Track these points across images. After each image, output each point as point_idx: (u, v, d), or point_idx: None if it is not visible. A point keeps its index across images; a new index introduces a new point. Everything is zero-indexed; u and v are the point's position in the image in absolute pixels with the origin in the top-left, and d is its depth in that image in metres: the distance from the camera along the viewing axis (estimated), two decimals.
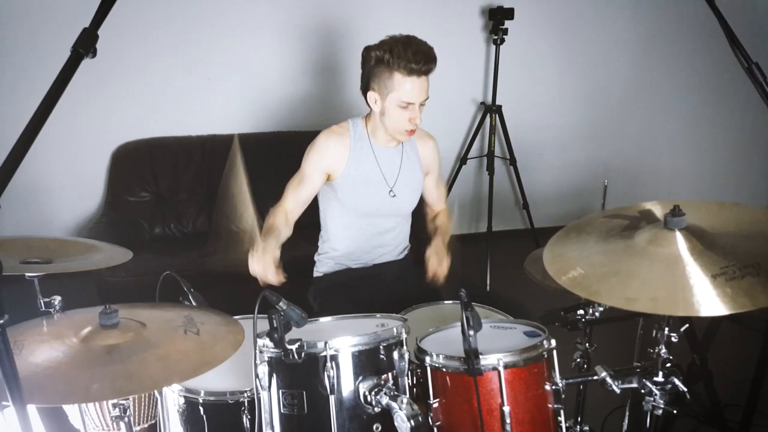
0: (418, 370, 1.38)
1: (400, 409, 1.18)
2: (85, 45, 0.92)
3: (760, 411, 1.93)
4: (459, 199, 1.82)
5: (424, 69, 1.76)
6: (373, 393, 1.24)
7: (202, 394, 1.38)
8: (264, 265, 1.64)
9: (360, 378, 1.26)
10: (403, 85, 1.77)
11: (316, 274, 2.12)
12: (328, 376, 1.23)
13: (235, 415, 1.37)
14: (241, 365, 1.36)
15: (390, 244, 2.08)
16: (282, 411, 1.27)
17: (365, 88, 1.88)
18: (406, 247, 2.16)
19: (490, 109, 3.65)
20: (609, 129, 4.11)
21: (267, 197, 1.96)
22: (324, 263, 2.09)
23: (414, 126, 1.85)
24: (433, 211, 2.15)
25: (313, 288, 2.10)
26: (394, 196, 1.98)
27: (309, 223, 2.07)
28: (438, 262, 1.87)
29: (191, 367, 1.17)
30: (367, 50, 1.83)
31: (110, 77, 3.20)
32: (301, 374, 1.26)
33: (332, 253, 2.07)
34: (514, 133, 3.70)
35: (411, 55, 1.73)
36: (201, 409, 1.38)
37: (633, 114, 4.12)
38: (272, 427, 1.28)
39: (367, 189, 1.96)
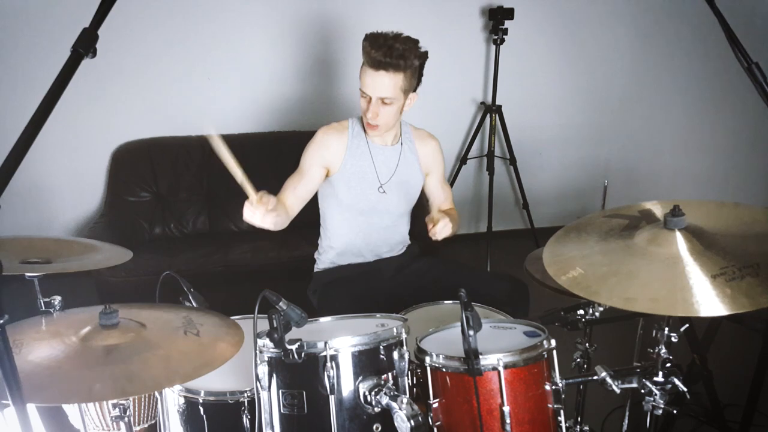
0: (418, 370, 1.38)
1: (400, 409, 1.18)
2: (85, 45, 0.91)
3: (760, 411, 1.93)
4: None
5: (380, 60, 1.76)
6: (373, 393, 1.24)
7: (202, 394, 1.38)
8: (261, 214, 1.57)
9: (360, 378, 1.26)
10: (364, 75, 1.83)
11: (315, 270, 2.14)
12: (328, 376, 1.23)
13: (235, 415, 1.37)
14: (241, 365, 1.36)
15: (387, 243, 2.09)
16: (282, 411, 1.27)
17: None
18: (406, 245, 2.16)
19: (490, 109, 3.65)
20: (609, 129, 4.10)
21: None
22: (323, 260, 2.11)
23: (371, 121, 1.86)
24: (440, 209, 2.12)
25: (312, 283, 2.11)
26: (384, 192, 1.99)
27: (308, 223, 2.07)
28: (431, 219, 1.80)
29: (193, 368, 1.17)
30: None
31: (110, 77, 3.19)
32: (301, 374, 1.26)
33: (330, 252, 2.08)
34: (514, 133, 3.70)
35: (376, 47, 1.76)
36: (201, 409, 1.38)
37: (633, 114, 4.11)
38: (272, 427, 1.28)
39: (361, 186, 1.97)
